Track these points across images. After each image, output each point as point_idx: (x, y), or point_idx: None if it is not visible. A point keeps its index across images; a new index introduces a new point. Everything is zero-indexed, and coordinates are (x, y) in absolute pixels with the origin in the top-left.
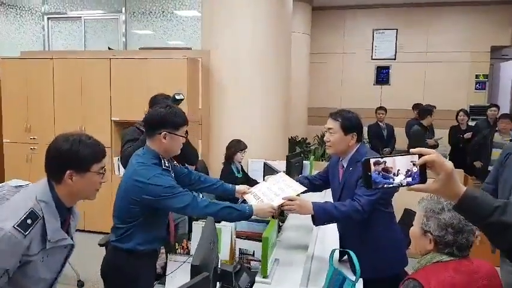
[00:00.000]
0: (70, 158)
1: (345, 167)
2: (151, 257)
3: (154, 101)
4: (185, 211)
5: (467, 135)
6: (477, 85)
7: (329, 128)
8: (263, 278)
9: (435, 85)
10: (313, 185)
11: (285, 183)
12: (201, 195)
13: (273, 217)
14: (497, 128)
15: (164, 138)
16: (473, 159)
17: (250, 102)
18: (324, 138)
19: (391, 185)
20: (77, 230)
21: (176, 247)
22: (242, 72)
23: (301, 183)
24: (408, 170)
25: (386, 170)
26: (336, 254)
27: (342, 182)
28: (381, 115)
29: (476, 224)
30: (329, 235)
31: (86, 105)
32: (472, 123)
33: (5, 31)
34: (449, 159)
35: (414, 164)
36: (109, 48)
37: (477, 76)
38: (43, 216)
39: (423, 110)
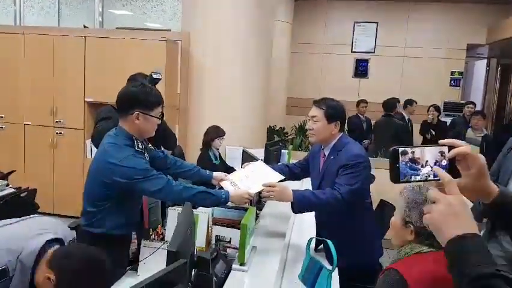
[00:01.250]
0: None
1: (326, 155)
2: (124, 243)
3: (133, 80)
4: (159, 195)
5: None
6: (452, 82)
7: (313, 116)
8: (240, 265)
9: (413, 80)
10: (292, 173)
11: (263, 172)
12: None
13: (250, 204)
14: (470, 125)
15: (137, 119)
16: None
17: (230, 88)
18: (307, 126)
19: (418, 177)
20: (46, 214)
21: (151, 233)
22: (223, 57)
23: (281, 171)
24: (437, 161)
25: (414, 160)
26: (313, 243)
27: (323, 171)
28: (363, 108)
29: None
30: (306, 224)
31: (58, 84)
32: (445, 119)
33: None
34: None
35: (443, 156)
36: (85, 27)
37: (452, 73)
38: (11, 277)
39: (389, 104)
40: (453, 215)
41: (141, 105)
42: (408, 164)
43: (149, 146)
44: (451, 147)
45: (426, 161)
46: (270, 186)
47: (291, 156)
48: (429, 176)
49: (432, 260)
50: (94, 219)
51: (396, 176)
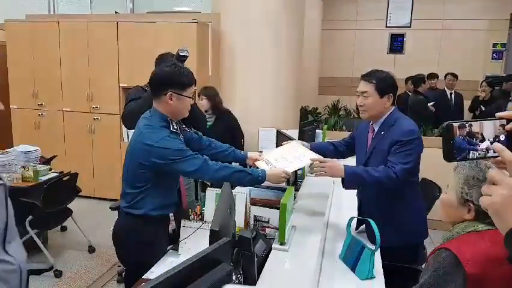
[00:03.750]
0: None
1: (376, 131)
2: (164, 223)
3: (161, 59)
4: (196, 175)
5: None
6: (494, 54)
7: (363, 92)
8: (280, 244)
9: (451, 54)
10: (338, 151)
11: (300, 152)
12: None
13: (287, 183)
14: (510, 98)
15: (171, 99)
16: None
17: (261, 69)
18: (357, 102)
19: (476, 154)
20: (87, 197)
21: (190, 213)
22: (253, 37)
23: (326, 149)
24: (496, 137)
25: (471, 134)
26: (354, 223)
27: (371, 147)
28: (411, 86)
29: None
30: (345, 203)
31: (93, 70)
32: None
33: None
34: None
35: (502, 130)
36: (116, 12)
37: (494, 45)
38: None
39: (416, 79)
40: None
41: (174, 85)
42: (466, 139)
43: (183, 127)
44: (510, 121)
45: (484, 136)
46: (320, 162)
47: (326, 136)
48: (487, 152)
49: (488, 239)
50: (133, 201)
51: (450, 153)
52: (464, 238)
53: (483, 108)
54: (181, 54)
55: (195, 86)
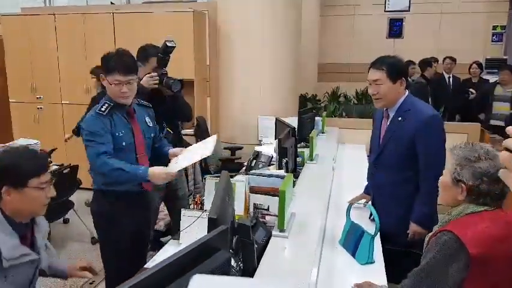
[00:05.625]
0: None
1: (391, 116)
2: (126, 201)
3: (144, 51)
4: (90, 163)
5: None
6: (494, 37)
7: (375, 80)
8: (280, 231)
9: (451, 37)
10: None
11: (202, 146)
12: None
13: (287, 170)
14: (497, 81)
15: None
16: (477, 112)
17: (259, 57)
18: (370, 91)
19: None
20: (88, 189)
21: (190, 202)
22: (250, 24)
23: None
24: None
25: None
26: (353, 209)
27: (389, 134)
28: (413, 69)
29: None
30: (346, 189)
31: (90, 62)
32: (487, 77)
33: None
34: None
35: None
36: (111, 3)
37: (494, 27)
38: None
39: (423, 63)
40: None
41: (104, 69)
42: None
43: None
44: None
45: None
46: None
47: (325, 123)
48: None
49: (488, 219)
50: (93, 178)
51: None
52: (464, 219)
53: (473, 92)
54: (168, 45)
55: (123, 73)
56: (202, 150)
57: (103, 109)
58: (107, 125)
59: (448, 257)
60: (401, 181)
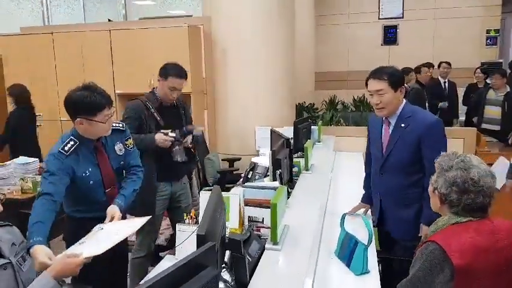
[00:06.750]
0: None
1: (393, 124)
2: (83, 225)
3: (163, 69)
4: None
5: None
6: (488, 41)
7: (377, 90)
8: (273, 244)
9: (446, 42)
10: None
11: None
12: None
13: (281, 183)
14: (489, 85)
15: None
16: (471, 116)
17: (255, 68)
18: (372, 102)
19: None
20: None
21: (185, 217)
22: (244, 36)
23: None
24: None
25: None
26: (347, 219)
27: (394, 141)
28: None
29: None
30: (340, 200)
31: (89, 79)
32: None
33: (4, 7)
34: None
35: None
36: (109, 20)
37: (488, 31)
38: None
39: (415, 69)
40: None
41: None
42: None
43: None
44: None
45: None
46: None
47: (321, 132)
48: None
49: (473, 230)
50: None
51: None
52: (449, 230)
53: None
54: (195, 134)
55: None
56: (126, 228)
57: (66, 149)
58: (68, 167)
59: (433, 268)
60: (409, 185)
